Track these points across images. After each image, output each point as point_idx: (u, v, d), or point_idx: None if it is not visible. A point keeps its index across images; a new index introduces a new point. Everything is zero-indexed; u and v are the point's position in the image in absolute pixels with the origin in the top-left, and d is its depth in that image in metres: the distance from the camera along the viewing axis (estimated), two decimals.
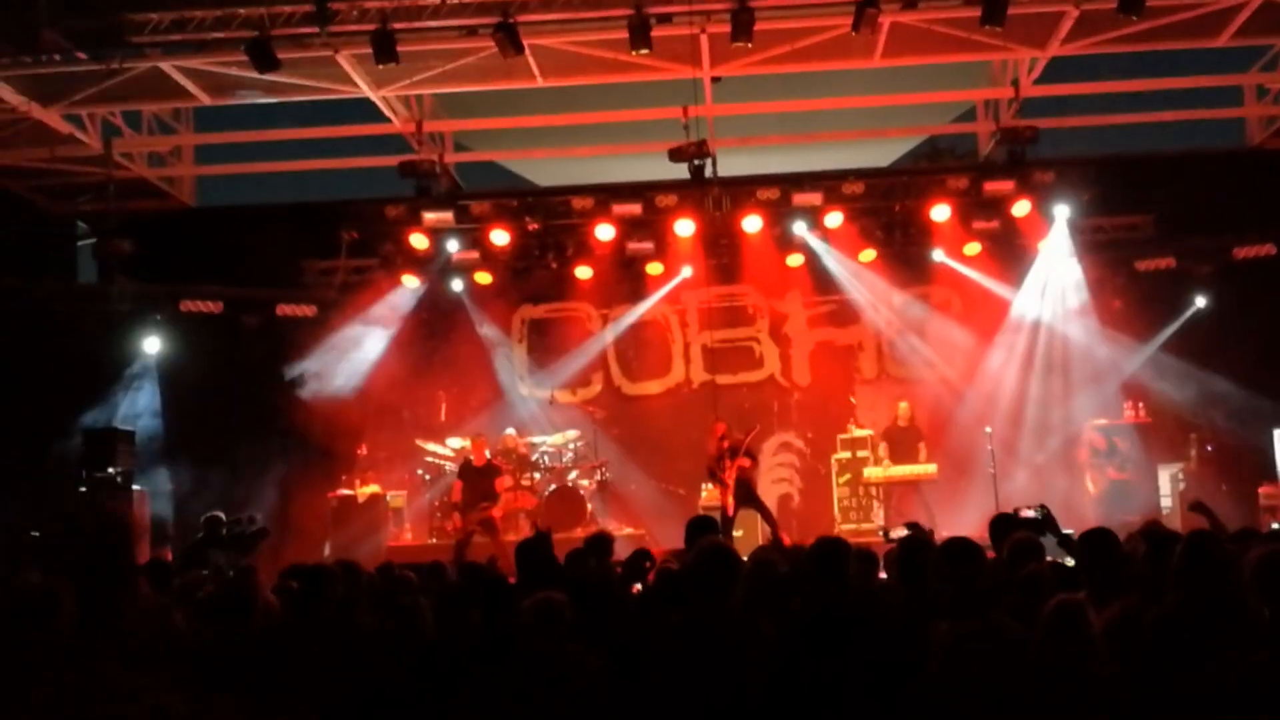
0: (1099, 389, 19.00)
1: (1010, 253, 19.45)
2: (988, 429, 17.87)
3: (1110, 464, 17.51)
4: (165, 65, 16.82)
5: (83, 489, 16.82)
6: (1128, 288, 19.40)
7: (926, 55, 17.41)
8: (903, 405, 19.06)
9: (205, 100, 18.05)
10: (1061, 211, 18.81)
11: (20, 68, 16.50)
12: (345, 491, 18.95)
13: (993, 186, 18.67)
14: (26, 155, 19.05)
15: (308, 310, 19.98)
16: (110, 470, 17.00)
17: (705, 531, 9.75)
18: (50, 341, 18.68)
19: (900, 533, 12.85)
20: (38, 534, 16.42)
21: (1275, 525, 15.64)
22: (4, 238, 19.71)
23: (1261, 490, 17.78)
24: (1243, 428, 18.27)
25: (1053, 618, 5.35)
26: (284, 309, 19.93)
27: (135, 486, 17.37)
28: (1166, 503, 18.17)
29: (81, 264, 21.90)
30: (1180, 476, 18.44)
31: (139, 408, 19.14)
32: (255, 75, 15.98)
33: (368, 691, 6.46)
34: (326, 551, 17.79)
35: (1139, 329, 19.30)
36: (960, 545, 6.07)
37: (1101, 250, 19.30)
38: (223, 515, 16.57)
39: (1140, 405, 18.82)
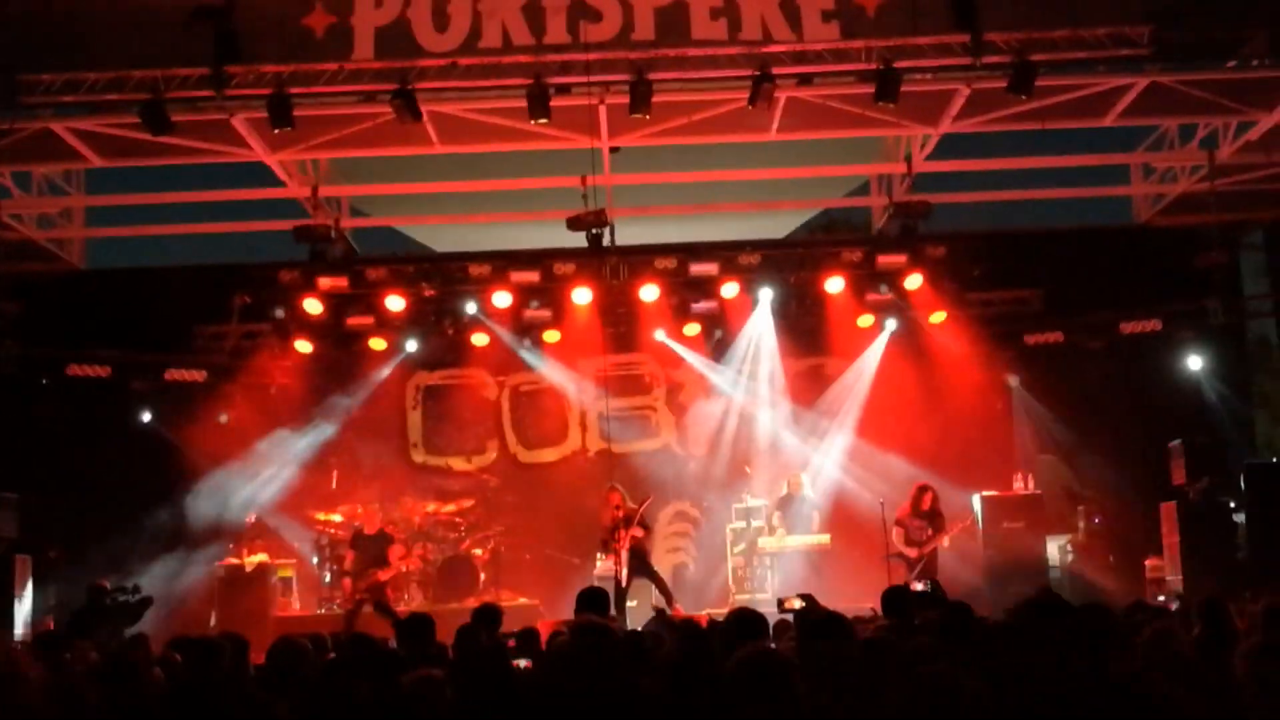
0: (989, 460, 19.21)
1: (902, 325, 19.64)
2: (881, 501, 18.00)
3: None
4: (57, 126, 16.60)
5: None
6: (1017, 361, 19.67)
7: (822, 130, 17.66)
8: (795, 476, 19.19)
9: (97, 162, 17.84)
10: (951, 285, 19.09)
11: None
12: (233, 560, 18.61)
13: (886, 260, 18.92)
14: None
15: (198, 375, 19.68)
16: None
17: (595, 604, 9.73)
18: None
19: (795, 604, 12.91)
20: None
21: (1161, 598, 15.93)
22: None
23: (1147, 562, 18.08)
24: (1129, 501, 18.56)
25: (922, 686, 5.35)
26: (174, 374, 19.60)
27: (16, 554, 16.99)
28: (1055, 574, 18.39)
29: None
30: (1068, 548, 18.68)
31: (23, 474, 18.68)
32: (148, 138, 15.83)
33: None
34: (213, 622, 17.46)
35: (1027, 403, 19.62)
36: (825, 621, 6.10)
37: (991, 324, 19.57)
38: (107, 584, 16.27)
39: (1028, 477, 19.04)
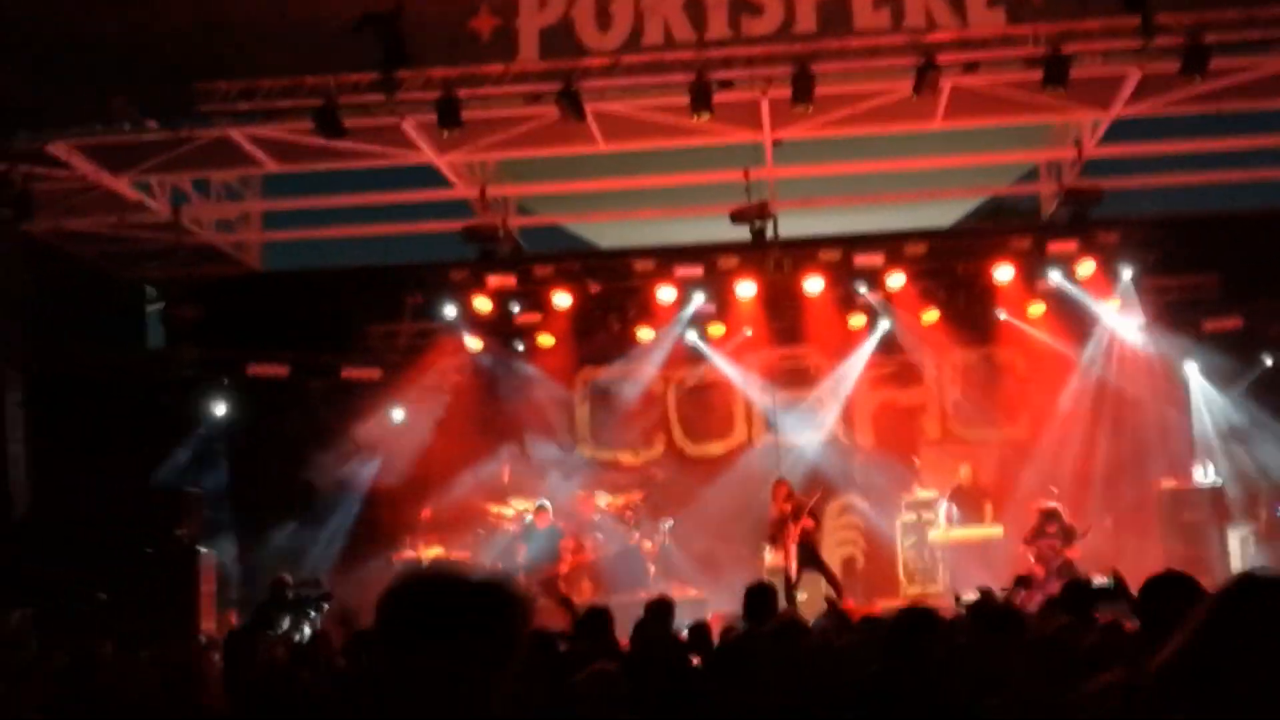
0: (1167, 450, 18.82)
1: (1074, 313, 19.33)
2: (1054, 491, 17.73)
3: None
4: (234, 133, 17.06)
5: (149, 551, 16.99)
6: (1195, 348, 19.20)
7: (988, 117, 17.39)
8: (965, 467, 18.97)
9: (272, 167, 18.28)
10: (1126, 271, 18.74)
11: (90, 136, 16.80)
12: (409, 554, 18.95)
13: (1056, 247, 18.63)
14: (96, 222, 19.32)
15: (372, 373, 20.08)
16: (177, 533, 17.16)
17: (763, 599, 9.76)
18: (118, 407, 18.89)
19: (971, 596, 12.77)
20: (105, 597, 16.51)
21: None
22: (73, 304, 19.93)
23: None
24: None
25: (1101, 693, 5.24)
26: (349, 372, 20.03)
27: (201, 549, 17.51)
28: (1237, 566, 17.92)
29: (150, 330, 22.13)
30: (1250, 540, 18.19)
31: (206, 471, 19.28)
32: (322, 142, 16.20)
33: None
34: None
35: (1206, 390, 19.14)
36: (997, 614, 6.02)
37: (1167, 310, 19.14)
38: (288, 578, 16.71)
39: (1208, 467, 18.61)
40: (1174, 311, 19.21)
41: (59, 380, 19.01)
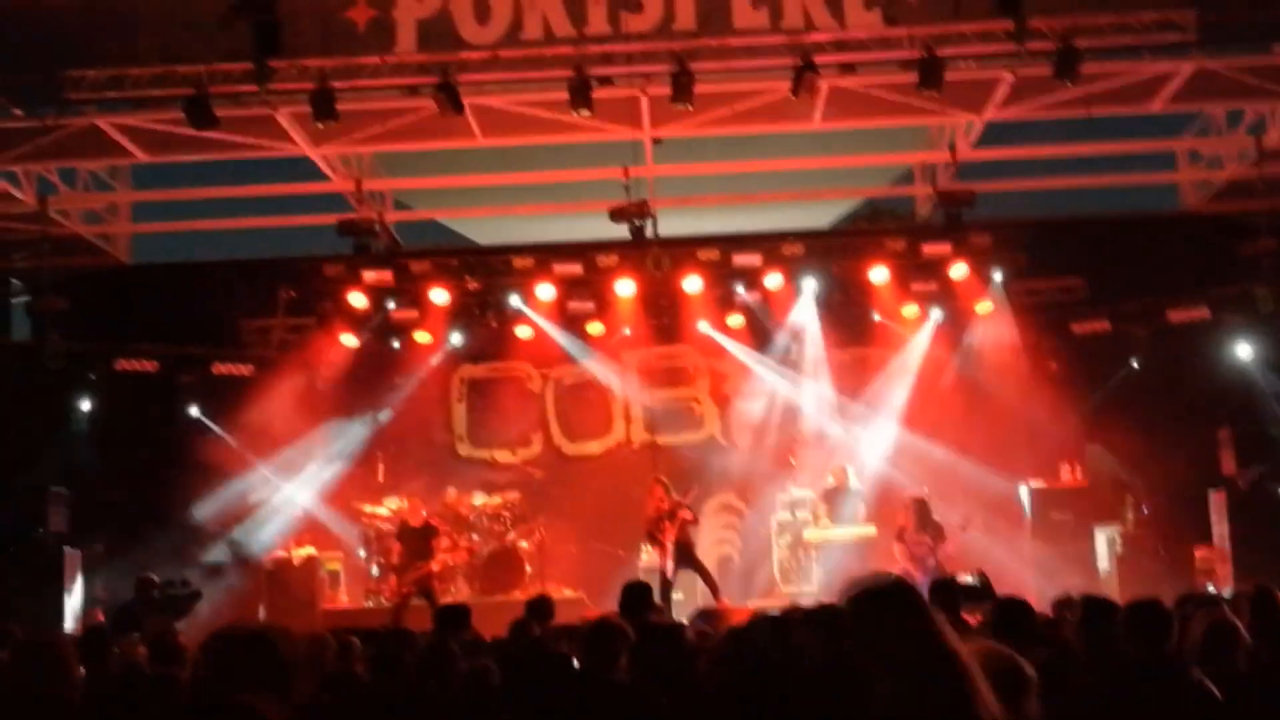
0: (1035, 451, 19.07)
1: (948, 314, 19.54)
2: (924, 489, 17.91)
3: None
4: (102, 122, 16.70)
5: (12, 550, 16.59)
6: (1063, 350, 19.49)
7: (865, 119, 17.61)
8: (841, 467, 19.06)
9: (142, 157, 17.95)
10: (997, 274, 18.96)
11: None
12: (280, 553, 18.69)
13: (930, 249, 18.76)
14: None
15: (244, 369, 19.75)
16: (42, 531, 16.75)
17: (639, 597, 9.74)
18: None
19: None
20: None
21: (1210, 587, 15.72)
22: None
23: (1197, 554, 17.84)
24: (1178, 490, 18.34)
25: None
26: (220, 368, 19.67)
27: (66, 548, 17.11)
28: (1104, 565, 18.23)
29: (15, 322, 21.54)
30: (1117, 539, 18.48)
31: (73, 467, 18.80)
32: (193, 133, 15.90)
33: None
34: (261, 615, 17.53)
35: (1074, 391, 19.40)
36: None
37: (1037, 312, 19.45)
38: (155, 577, 16.35)
39: (1076, 467, 18.90)
40: (1043, 314, 19.52)
41: None
